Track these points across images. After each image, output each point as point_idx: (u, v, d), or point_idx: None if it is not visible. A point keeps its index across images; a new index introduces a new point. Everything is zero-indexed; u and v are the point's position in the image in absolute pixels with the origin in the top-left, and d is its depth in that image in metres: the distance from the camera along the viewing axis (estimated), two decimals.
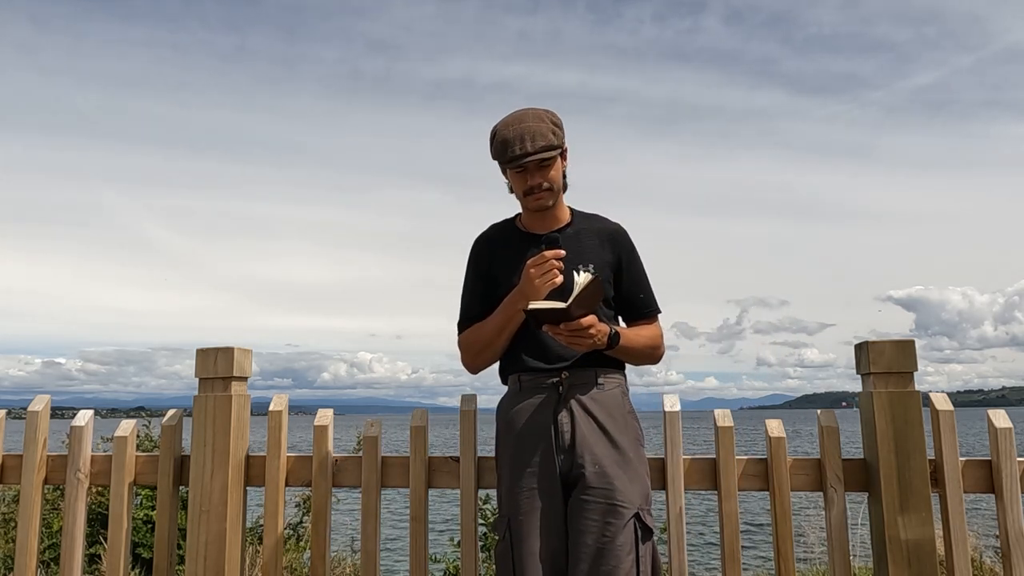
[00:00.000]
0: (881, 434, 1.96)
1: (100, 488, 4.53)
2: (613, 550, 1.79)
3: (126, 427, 2.29)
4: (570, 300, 1.77)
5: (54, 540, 4.61)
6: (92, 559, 4.76)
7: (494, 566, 1.99)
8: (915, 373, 2.00)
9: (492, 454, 2.11)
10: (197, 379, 2.21)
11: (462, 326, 2.14)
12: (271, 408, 2.23)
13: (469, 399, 2.20)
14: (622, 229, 2.13)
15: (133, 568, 4.73)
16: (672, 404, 2.11)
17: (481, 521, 3.99)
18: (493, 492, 2.86)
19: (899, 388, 1.98)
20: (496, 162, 2.04)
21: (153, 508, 2.88)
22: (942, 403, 2.04)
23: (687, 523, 2.10)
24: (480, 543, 2.62)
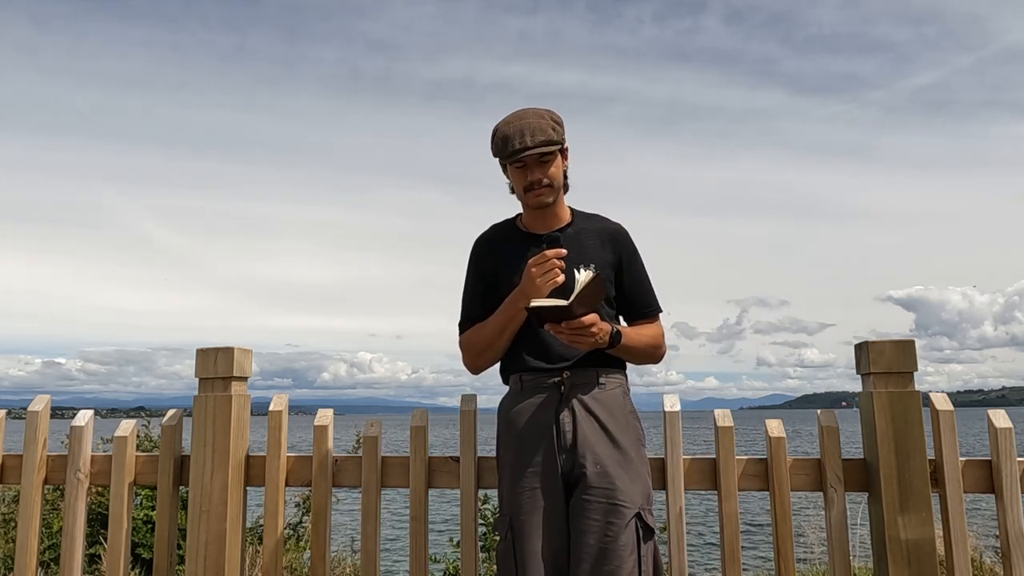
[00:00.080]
0: (881, 434, 1.96)
1: (100, 488, 4.54)
2: (615, 550, 1.80)
3: (126, 427, 2.29)
4: (572, 298, 1.77)
5: (54, 540, 4.61)
6: (92, 559, 4.76)
7: (495, 566, 1.99)
8: (915, 373, 2.00)
9: (492, 454, 2.11)
10: (197, 379, 2.21)
11: (463, 326, 2.14)
12: (271, 408, 2.23)
13: (469, 399, 2.20)
14: (623, 229, 2.14)
15: (133, 568, 4.73)
16: (672, 404, 2.11)
17: (481, 521, 3.99)
18: (492, 492, 2.86)
19: (899, 388, 1.98)
20: (497, 160, 2.05)
21: (153, 508, 2.88)
22: (942, 403, 2.04)
23: (687, 523, 2.10)
24: (480, 543, 2.62)
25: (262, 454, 2.22)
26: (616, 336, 1.93)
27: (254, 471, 2.22)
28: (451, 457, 2.19)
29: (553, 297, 1.83)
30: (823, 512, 2.06)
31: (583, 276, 1.79)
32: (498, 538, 1.93)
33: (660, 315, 2.14)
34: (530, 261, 1.89)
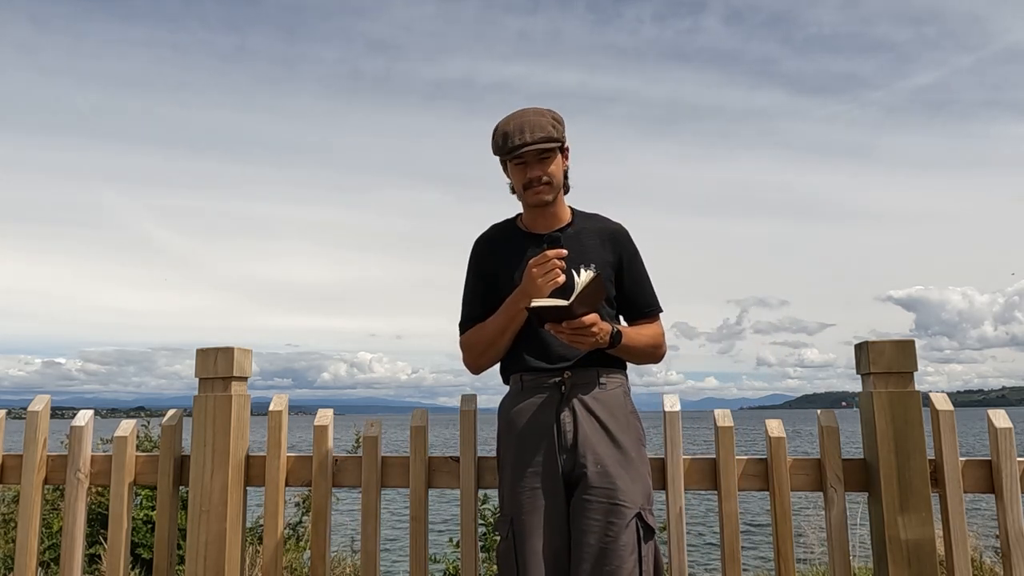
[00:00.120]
0: (881, 434, 1.96)
1: (100, 488, 4.54)
2: (616, 550, 1.80)
3: (126, 427, 2.29)
4: (572, 298, 1.77)
5: (54, 540, 4.61)
6: (92, 559, 4.76)
7: (495, 566, 1.99)
8: (915, 373, 2.00)
9: (492, 454, 2.11)
10: (197, 379, 2.21)
11: (464, 327, 2.14)
12: (271, 408, 2.23)
13: (469, 399, 2.20)
14: (623, 229, 2.14)
15: (133, 568, 4.73)
16: (672, 404, 2.11)
17: (481, 521, 3.99)
18: (492, 492, 2.86)
19: (899, 388, 1.98)
20: (498, 158, 2.06)
21: (153, 508, 2.88)
22: (942, 403, 2.04)
23: (687, 523, 2.10)
24: (480, 543, 2.62)
25: (262, 454, 2.22)
26: (616, 336, 1.93)
27: (254, 471, 2.22)
28: (451, 457, 2.19)
29: (554, 297, 1.84)
30: (823, 512, 2.06)
31: (584, 276, 1.80)
32: (499, 538, 1.93)
33: (660, 315, 2.14)
34: (531, 261, 1.89)
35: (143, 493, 5.03)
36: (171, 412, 2.32)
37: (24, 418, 2.31)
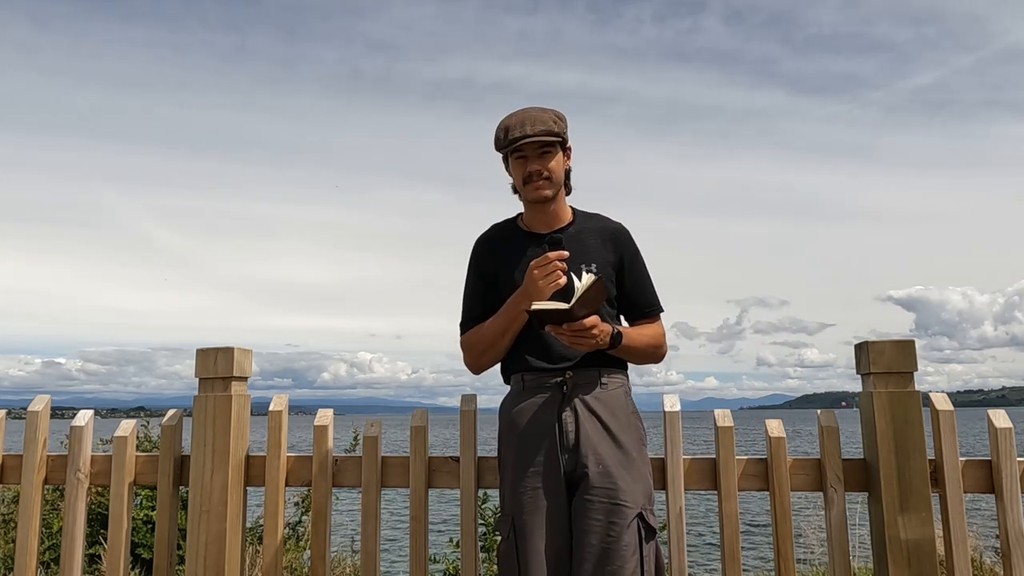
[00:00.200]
0: (881, 434, 1.96)
1: (100, 488, 4.53)
2: (618, 550, 1.80)
3: (126, 427, 2.29)
4: (573, 301, 1.77)
5: (54, 540, 4.61)
6: (92, 559, 4.76)
7: (495, 566, 1.99)
8: (915, 373, 2.00)
9: (492, 454, 2.11)
10: (197, 379, 2.21)
11: (464, 327, 2.14)
12: (271, 408, 2.23)
13: (469, 399, 2.20)
14: (624, 228, 2.14)
15: (133, 568, 4.73)
16: (672, 404, 2.11)
17: (481, 521, 3.99)
18: (492, 492, 2.86)
19: (899, 388, 1.98)
20: (501, 157, 2.06)
21: (153, 508, 2.88)
22: (942, 403, 2.04)
23: (687, 523, 2.10)
24: (480, 543, 2.62)
25: (262, 454, 2.22)
26: (617, 337, 1.93)
27: (254, 471, 2.22)
28: (451, 457, 2.19)
29: (555, 299, 1.84)
30: (823, 512, 2.06)
31: (585, 279, 1.80)
32: (499, 538, 1.93)
33: (661, 315, 2.14)
34: (532, 263, 1.89)
35: (143, 493, 5.03)
36: (171, 412, 2.32)
37: (24, 418, 2.31)
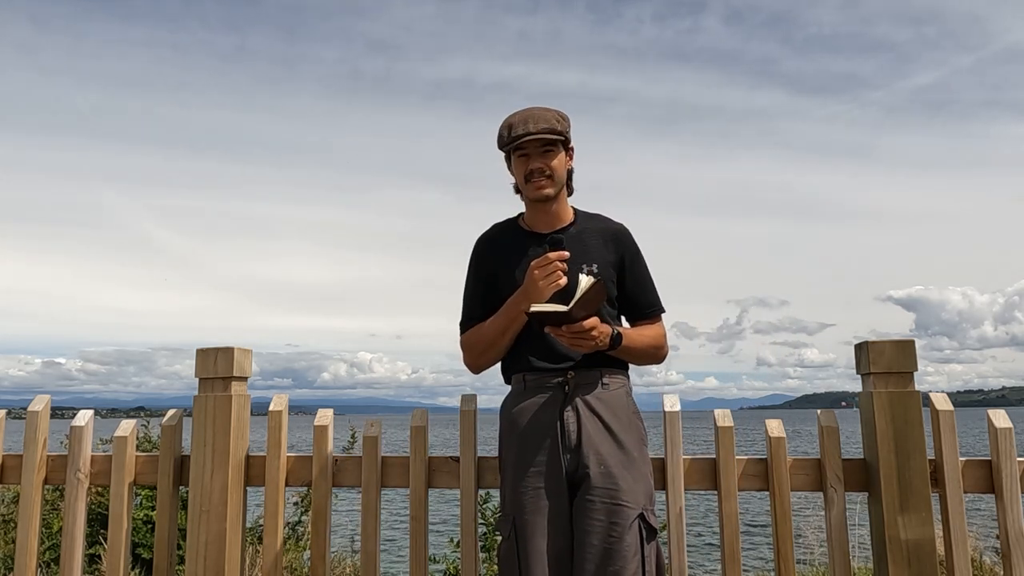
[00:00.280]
0: (881, 434, 1.96)
1: (100, 488, 4.53)
2: (620, 551, 1.80)
3: (126, 427, 2.29)
4: (572, 303, 1.77)
5: (54, 540, 4.61)
6: (92, 559, 4.76)
7: (495, 566, 1.99)
8: (915, 373, 2.00)
9: (492, 454, 2.11)
10: (197, 379, 2.21)
11: (464, 326, 2.14)
12: (271, 408, 2.23)
13: (469, 399, 2.20)
14: (625, 229, 2.14)
15: (133, 568, 4.73)
16: (672, 404, 2.11)
17: (481, 521, 3.99)
18: (492, 492, 2.85)
19: (899, 388, 1.98)
20: (503, 156, 2.07)
21: (153, 508, 2.88)
22: (942, 403, 2.04)
23: (687, 523, 2.10)
24: (480, 543, 2.62)
25: (262, 454, 2.22)
26: (617, 338, 1.93)
27: (254, 471, 2.22)
28: (451, 457, 2.19)
29: (555, 300, 1.84)
30: (823, 512, 2.06)
31: (585, 281, 1.80)
32: (500, 538, 1.93)
33: (662, 315, 2.14)
34: (532, 263, 1.90)
35: (143, 493, 5.03)
36: (171, 412, 2.32)
37: (24, 418, 2.31)
